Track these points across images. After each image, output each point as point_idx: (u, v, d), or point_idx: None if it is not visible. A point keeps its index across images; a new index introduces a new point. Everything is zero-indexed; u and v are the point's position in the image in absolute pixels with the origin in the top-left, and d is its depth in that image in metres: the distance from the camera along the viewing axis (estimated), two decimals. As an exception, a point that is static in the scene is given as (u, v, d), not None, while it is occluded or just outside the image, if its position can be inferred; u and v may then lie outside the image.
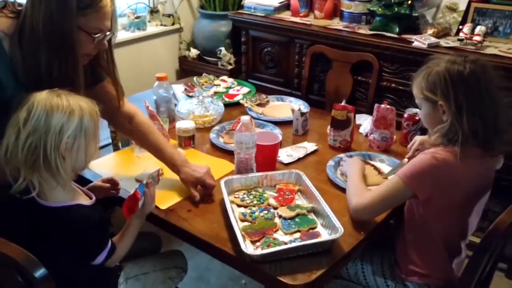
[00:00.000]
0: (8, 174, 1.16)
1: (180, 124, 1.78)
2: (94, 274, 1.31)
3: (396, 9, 2.33)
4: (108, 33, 1.32)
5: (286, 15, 2.82)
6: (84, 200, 1.27)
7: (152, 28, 3.13)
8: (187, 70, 3.27)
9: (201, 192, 1.48)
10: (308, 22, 2.66)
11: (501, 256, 2.20)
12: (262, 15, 2.82)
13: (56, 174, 1.16)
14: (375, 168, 1.63)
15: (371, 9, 2.44)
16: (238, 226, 1.28)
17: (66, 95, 1.16)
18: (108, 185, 1.47)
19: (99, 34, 1.29)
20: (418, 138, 1.69)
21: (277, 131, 1.81)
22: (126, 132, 1.61)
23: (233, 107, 2.13)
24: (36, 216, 1.21)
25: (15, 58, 1.26)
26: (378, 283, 1.51)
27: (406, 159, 1.66)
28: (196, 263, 2.28)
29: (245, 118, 1.52)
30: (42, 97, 1.14)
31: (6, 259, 1.01)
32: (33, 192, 1.16)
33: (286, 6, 2.89)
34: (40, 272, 1.00)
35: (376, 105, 1.76)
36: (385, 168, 1.66)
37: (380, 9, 2.37)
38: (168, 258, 1.59)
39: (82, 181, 1.49)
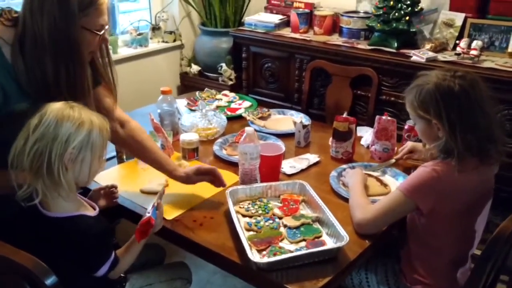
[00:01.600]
0: (14, 179, 1.17)
1: (184, 137, 1.80)
2: (99, 285, 1.31)
3: (394, 24, 2.38)
4: (107, 26, 1.34)
5: (286, 32, 2.87)
6: (88, 212, 1.28)
7: (154, 44, 3.18)
8: (188, 86, 3.31)
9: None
10: (308, 38, 2.71)
11: (503, 267, 2.22)
12: (263, 31, 2.87)
13: (58, 184, 1.16)
14: (378, 179, 1.66)
15: (370, 24, 2.49)
16: (244, 235, 1.29)
17: (79, 108, 1.19)
18: (107, 188, 1.49)
19: (102, 31, 1.32)
20: (409, 144, 1.74)
21: (280, 143, 1.83)
22: (118, 138, 1.55)
23: (235, 120, 2.15)
24: (39, 226, 1.22)
25: (17, 66, 1.28)
26: (383, 292, 1.52)
27: (393, 160, 1.73)
28: (198, 277, 2.27)
29: (249, 129, 1.54)
30: (56, 107, 1.17)
31: (16, 266, 1.01)
32: (36, 199, 1.17)
33: (286, 23, 2.94)
34: (50, 280, 1.00)
35: (377, 117, 1.79)
36: (388, 179, 1.68)
37: (378, 24, 2.43)
38: (173, 269, 1.59)
39: (88, 192, 1.50)
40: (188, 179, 1.51)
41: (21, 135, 1.16)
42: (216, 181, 1.52)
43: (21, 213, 1.24)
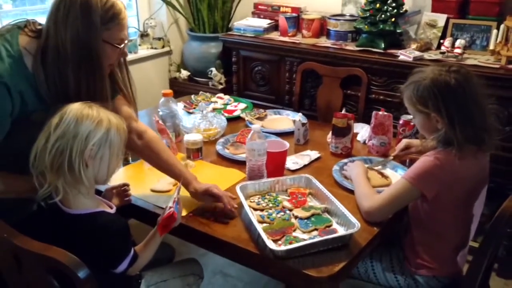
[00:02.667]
0: (35, 179, 1.21)
1: (188, 137, 1.84)
2: (118, 282, 1.34)
3: (381, 26, 2.48)
4: (126, 41, 1.40)
5: (275, 35, 2.94)
6: (107, 209, 1.32)
7: (143, 51, 3.21)
8: (178, 91, 3.31)
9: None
10: (297, 41, 2.79)
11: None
12: (252, 35, 2.93)
13: (78, 181, 1.20)
14: (378, 171, 1.73)
15: (358, 26, 2.59)
16: (259, 226, 1.34)
17: (97, 107, 1.23)
18: (119, 188, 1.54)
19: (122, 45, 1.37)
20: (404, 141, 1.82)
21: (283, 141, 1.89)
22: (135, 148, 1.57)
23: (233, 121, 2.21)
24: (60, 224, 1.25)
25: (38, 76, 1.31)
26: (388, 279, 1.58)
27: (391, 156, 1.81)
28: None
29: (256, 127, 1.60)
30: (75, 107, 1.21)
31: (49, 261, 1.04)
32: (55, 197, 1.20)
33: (274, 27, 3.02)
34: (83, 272, 1.03)
35: (374, 112, 1.87)
36: (388, 171, 1.76)
37: (366, 26, 2.53)
38: (185, 266, 1.63)
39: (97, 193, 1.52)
40: (195, 195, 1.52)
41: (42, 135, 1.20)
42: (224, 206, 1.47)
43: (41, 211, 1.27)
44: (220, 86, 3.17)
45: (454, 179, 1.41)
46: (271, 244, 1.26)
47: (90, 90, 1.33)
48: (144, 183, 1.68)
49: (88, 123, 1.19)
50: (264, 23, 2.98)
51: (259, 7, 3.13)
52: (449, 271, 1.52)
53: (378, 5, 2.47)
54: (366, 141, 1.95)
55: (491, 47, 2.31)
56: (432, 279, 1.52)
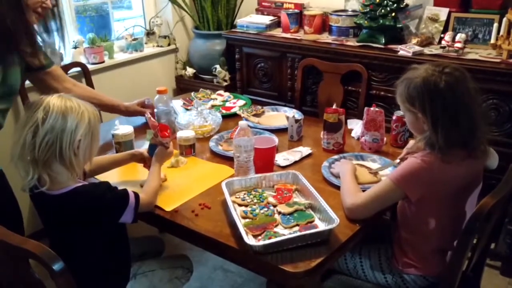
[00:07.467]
0: (21, 171, 1.28)
1: (181, 134, 1.87)
2: (109, 265, 1.40)
3: (381, 21, 2.46)
4: None
5: (277, 32, 2.95)
6: None
7: (149, 49, 3.25)
8: (183, 88, 3.37)
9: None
10: (299, 37, 2.79)
11: (495, 254, 2.27)
12: (255, 32, 2.94)
13: (70, 168, 1.29)
14: (368, 168, 1.72)
15: (358, 22, 2.57)
16: (240, 222, 1.36)
17: (75, 99, 1.32)
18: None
19: None
20: (411, 142, 1.76)
21: (273, 136, 1.89)
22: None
23: (230, 118, 2.22)
24: (50, 207, 1.33)
25: None
26: (377, 276, 1.57)
27: (398, 160, 1.73)
28: (199, 273, 2.35)
29: (243, 123, 1.61)
30: (56, 100, 1.28)
31: (26, 254, 1.08)
32: (40, 188, 1.28)
33: (276, 24, 3.02)
34: (58, 265, 1.06)
35: (365, 108, 1.87)
36: (377, 167, 1.75)
37: (366, 21, 2.51)
38: (175, 259, 1.67)
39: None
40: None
41: (27, 129, 1.25)
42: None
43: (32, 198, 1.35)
44: (225, 83, 3.19)
45: (440, 182, 1.38)
46: (248, 239, 1.27)
47: (28, 30, 1.49)
48: (135, 179, 1.71)
49: (73, 116, 1.28)
50: (266, 19, 2.99)
51: (263, 3, 3.14)
52: (437, 271, 1.50)
53: (378, 0, 2.45)
54: (360, 137, 1.94)
55: (493, 41, 2.26)
56: (419, 277, 1.51)
